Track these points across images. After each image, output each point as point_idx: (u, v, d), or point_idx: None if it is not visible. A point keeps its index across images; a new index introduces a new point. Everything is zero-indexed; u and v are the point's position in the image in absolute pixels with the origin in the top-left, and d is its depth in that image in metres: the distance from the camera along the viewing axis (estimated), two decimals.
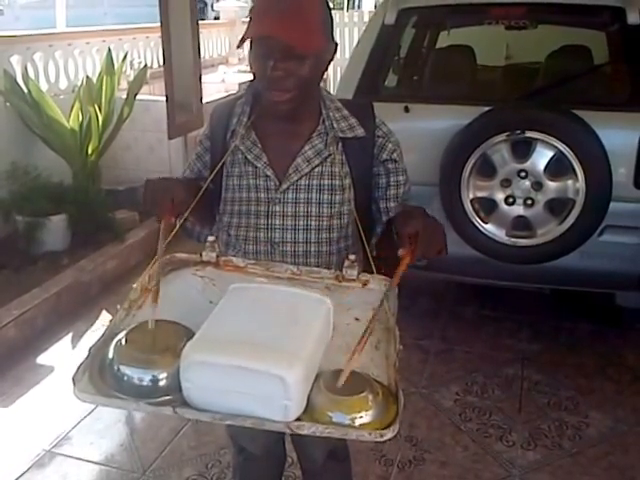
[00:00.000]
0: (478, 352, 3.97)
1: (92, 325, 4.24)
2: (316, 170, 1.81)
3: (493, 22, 4.39)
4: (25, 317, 3.99)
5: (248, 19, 1.68)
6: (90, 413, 3.37)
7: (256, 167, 1.83)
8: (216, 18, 12.07)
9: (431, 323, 4.25)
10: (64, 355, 3.91)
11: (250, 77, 1.79)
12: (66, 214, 4.83)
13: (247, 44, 1.67)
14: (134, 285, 1.58)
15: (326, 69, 1.77)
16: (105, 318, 4.32)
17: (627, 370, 3.79)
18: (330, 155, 1.82)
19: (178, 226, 1.73)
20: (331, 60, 1.77)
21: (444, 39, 4.87)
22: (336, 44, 1.78)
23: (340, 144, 1.83)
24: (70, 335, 4.12)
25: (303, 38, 1.61)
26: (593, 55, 4.17)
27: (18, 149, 5.13)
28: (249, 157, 1.83)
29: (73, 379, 1.32)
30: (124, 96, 5.54)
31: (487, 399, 3.54)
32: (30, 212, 4.69)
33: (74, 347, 4.03)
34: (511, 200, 3.42)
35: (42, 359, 3.86)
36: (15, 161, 4.99)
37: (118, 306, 1.56)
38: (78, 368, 1.34)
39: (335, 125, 1.82)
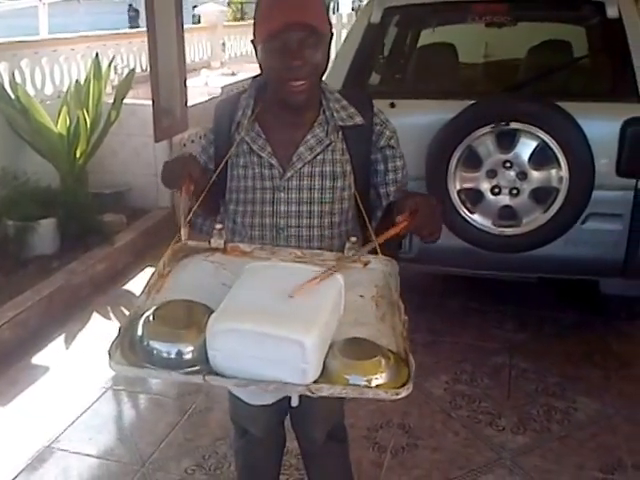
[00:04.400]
0: (465, 343, 4.04)
1: (84, 325, 4.28)
2: (318, 158, 1.89)
3: (475, 19, 4.45)
4: (19, 319, 4.02)
5: (254, 23, 1.79)
6: (86, 410, 3.41)
7: (261, 157, 1.91)
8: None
9: (418, 316, 4.22)
10: (58, 355, 3.94)
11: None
12: (55, 218, 4.86)
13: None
14: (152, 271, 1.69)
15: (329, 55, 1.86)
16: (96, 319, 4.37)
17: (613, 357, 3.86)
18: (331, 143, 1.90)
19: (197, 203, 1.81)
20: (330, 43, 1.86)
21: (429, 37, 4.94)
22: (331, 25, 1.87)
23: (340, 132, 1.91)
24: (63, 335, 4.15)
25: (320, 18, 1.74)
26: (573, 49, 4.26)
27: (7, 155, 5.16)
28: (254, 147, 1.91)
29: (108, 352, 1.41)
30: (109, 101, 5.58)
31: (476, 387, 3.60)
32: (19, 216, 4.71)
33: (67, 347, 4.06)
34: (497, 190, 3.48)
35: (37, 359, 3.88)
36: (4, 166, 5.02)
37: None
38: (111, 345, 1.43)
39: (335, 114, 1.90)
